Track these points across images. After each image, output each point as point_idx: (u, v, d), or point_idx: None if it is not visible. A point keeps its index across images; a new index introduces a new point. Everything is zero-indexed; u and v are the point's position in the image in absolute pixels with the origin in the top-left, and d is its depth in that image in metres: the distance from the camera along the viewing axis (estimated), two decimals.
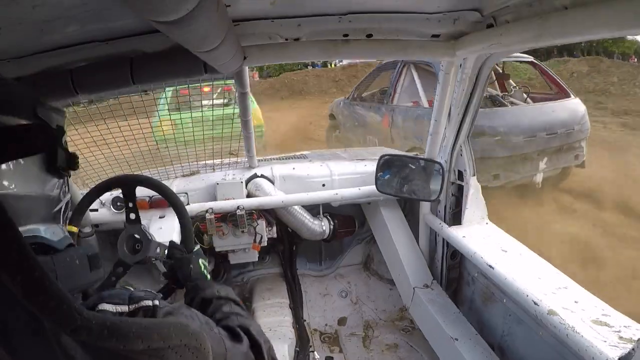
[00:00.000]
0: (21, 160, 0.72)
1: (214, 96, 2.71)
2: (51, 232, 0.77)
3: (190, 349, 0.69)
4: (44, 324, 0.54)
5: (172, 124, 2.34)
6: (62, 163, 0.79)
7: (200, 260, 1.39)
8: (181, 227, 1.49)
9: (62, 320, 0.53)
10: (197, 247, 1.46)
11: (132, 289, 0.79)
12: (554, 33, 1.04)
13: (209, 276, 1.37)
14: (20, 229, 0.63)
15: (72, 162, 0.83)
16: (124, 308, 0.71)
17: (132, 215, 1.49)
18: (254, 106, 6.04)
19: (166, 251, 1.46)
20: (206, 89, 2.27)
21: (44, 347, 0.55)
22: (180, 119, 2.19)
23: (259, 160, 2.65)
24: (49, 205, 0.79)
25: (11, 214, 0.61)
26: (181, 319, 0.76)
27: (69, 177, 0.90)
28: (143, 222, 1.52)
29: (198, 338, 0.71)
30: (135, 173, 2.21)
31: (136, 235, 1.45)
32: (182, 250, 1.42)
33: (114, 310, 0.69)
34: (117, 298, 0.72)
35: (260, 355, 0.96)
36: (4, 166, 0.68)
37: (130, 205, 1.49)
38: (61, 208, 0.83)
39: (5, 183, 0.68)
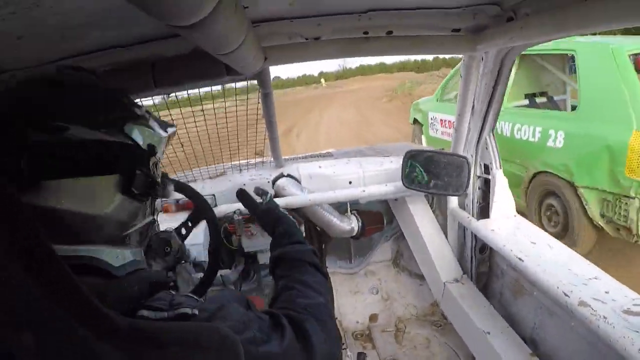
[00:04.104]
0: (94, 178, 0.68)
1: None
2: (113, 256, 0.72)
3: (223, 351, 0.68)
4: (76, 328, 0.52)
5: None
6: (137, 189, 0.74)
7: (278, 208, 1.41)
8: (209, 228, 1.55)
9: (92, 324, 0.53)
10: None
11: (173, 293, 0.75)
12: (574, 24, 1.03)
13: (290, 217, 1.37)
14: (77, 247, 0.65)
15: (151, 189, 0.78)
16: (163, 315, 0.68)
17: (183, 231, 1.50)
18: None
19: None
20: None
21: (75, 352, 0.54)
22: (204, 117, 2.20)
23: (285, 160, 2.67)
24: (116, 228, 0.74)
25: (69, 230, 0.61)
26: (215, 321, 0.73)
27: (155, 199, 0.87)
28: (171, 225, 1.53)
29: (229, 341, 0.70)
30: None
31: (164, 238, 1.45)
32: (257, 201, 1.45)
33: (154, 317, 0.67)
34: (159, 303, 0.70)
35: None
36: (72, 181, 0.65)
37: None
38: (136, 231, 0.79)
39: (69, 198, 0.65)
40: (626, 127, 3.56)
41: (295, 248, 1.19)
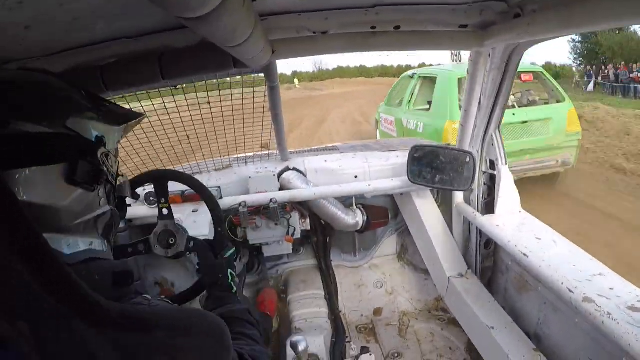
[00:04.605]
0: (39, 169, 0.69)
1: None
2: (64, 244, 0.74)
3: (211, 336, 0.71)
4: (72, 319, 0.54)
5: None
6: (81, 178, 0.74)
7: (229, 271, 1.39)
8: (214, 222, 1.54)
9: (83, 310, 0.55)
10: (231, 251, 1.46)
11: (150, 298, 0.79)
12: (581, 21, 1.03)
13: (234, 288, 1.38)
14: None
15: (97, 178, 0.78)
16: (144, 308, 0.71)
17: (165, 211, 1.48)
18: (569, 107, 6.80)
19: (192, 244, 1.48)
20: None
21: (69, 343, 0.54)
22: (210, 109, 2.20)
23: (290, 153, 2.67)
24: (67, 217, 0.74)
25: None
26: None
27: (113, 186, 0.88)
28: (176, 216, 1.53)
29: (219, 326, 0.74)
30: (168, 168, 2.25)
31: (170, 230, 1.47)
32: (212, 253, 1.44)
33: None
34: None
35: None
36: (19, 173, 0.66)
37: (163, 200, 1.49)
38: (89, 220, 0.79)
39: (18, 189, 0.65)
40: (445, 118, 6.46)
41: (231, 308, 1.25)
